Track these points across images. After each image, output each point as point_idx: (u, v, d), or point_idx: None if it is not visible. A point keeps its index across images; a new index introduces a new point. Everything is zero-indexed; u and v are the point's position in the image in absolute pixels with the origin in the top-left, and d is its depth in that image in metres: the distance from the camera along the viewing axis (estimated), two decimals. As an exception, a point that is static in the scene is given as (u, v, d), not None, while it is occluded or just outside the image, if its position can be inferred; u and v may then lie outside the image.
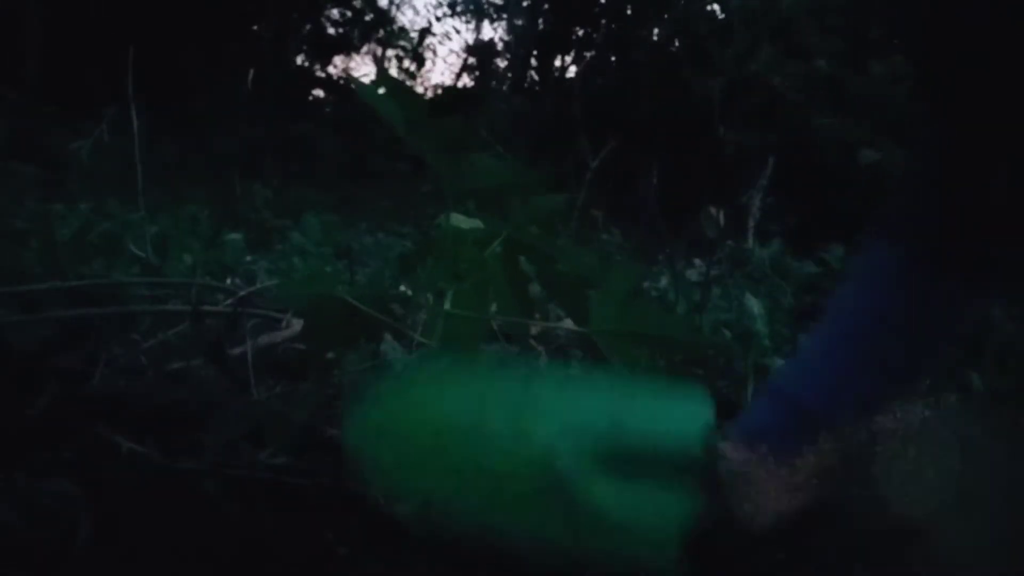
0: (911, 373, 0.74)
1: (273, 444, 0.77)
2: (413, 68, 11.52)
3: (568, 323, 0.64)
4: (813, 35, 5.87)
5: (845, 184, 5.14)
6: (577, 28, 9.53)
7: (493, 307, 0.61)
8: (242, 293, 1.25)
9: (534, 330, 1.44)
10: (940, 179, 0.71)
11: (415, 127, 0.54)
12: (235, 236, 2.43)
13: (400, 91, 0.55)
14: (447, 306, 0.56)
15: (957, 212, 0.69)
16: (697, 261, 2.98)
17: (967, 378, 1.29)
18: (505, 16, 10.86)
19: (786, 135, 5.56)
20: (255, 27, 9.47)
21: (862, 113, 5.40)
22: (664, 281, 2.33)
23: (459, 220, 0.60)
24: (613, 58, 8.96)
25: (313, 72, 10.93)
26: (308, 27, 10.79)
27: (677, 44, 7.86)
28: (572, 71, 9.66)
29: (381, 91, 0.56)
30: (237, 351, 1.02)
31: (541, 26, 9.75)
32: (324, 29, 11.04)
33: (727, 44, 6.25)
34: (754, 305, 1.40)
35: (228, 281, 1.77)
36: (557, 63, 9.89)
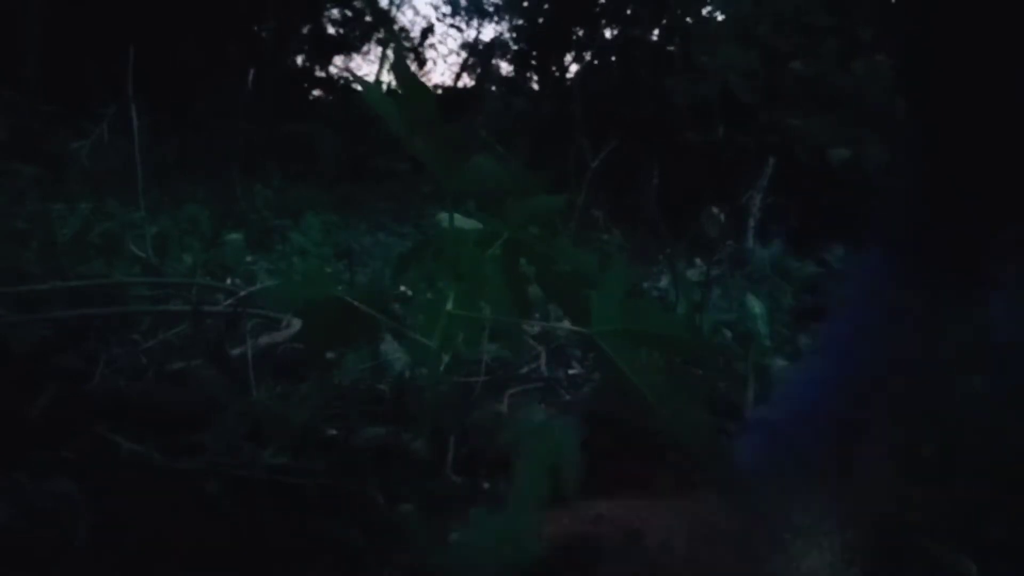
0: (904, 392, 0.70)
1: (273, 444, 0.77)
2: (414, 68, 11.51)
3: (567, 323, 0.64)
4: (779, 36, 5.85)
5: (821, 184, 5.13)
6: (577, 28, 9.53)
7: (488, 309, 0.61)
8: (242, 293, 1.25)
9: (534, 330, 1.44)
10: (924, 183, 0.69)
11: (416, 130, 0.54)
12: (235, 236, 2.43)
13: (412, 84, 0.54)
14: (449, 306, 0.56)
15: (944, 216, 0.68)
16: (698, 261, 2.99)
17: (968, 379, 1.29)
18: (505, 16, 10.86)
19: (765, 137, 5.54)
20: (255, 27, 9.46)
21: (841, 112, 5.39)
22: (664, 281, 2.33)
23: (459, 220, 0.59)
24: (613, 58, 8.96)
25: (313, 72, 10.93)
26: (308, 27, 10.78)
27: (676, 44, 7.86)
28: (572, 71, 9.67)
29: (384, 90, 0.56)
30: (237, 351, 1.02)
31: (541, 26, 9.75)
32: (324, 29, 11.04)
33: (700, 45, 6.25)
34: (755, 305, 1.39)
35: (228, 281, 1.77)
36: (557, 63, 9.89)
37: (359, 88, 0.56)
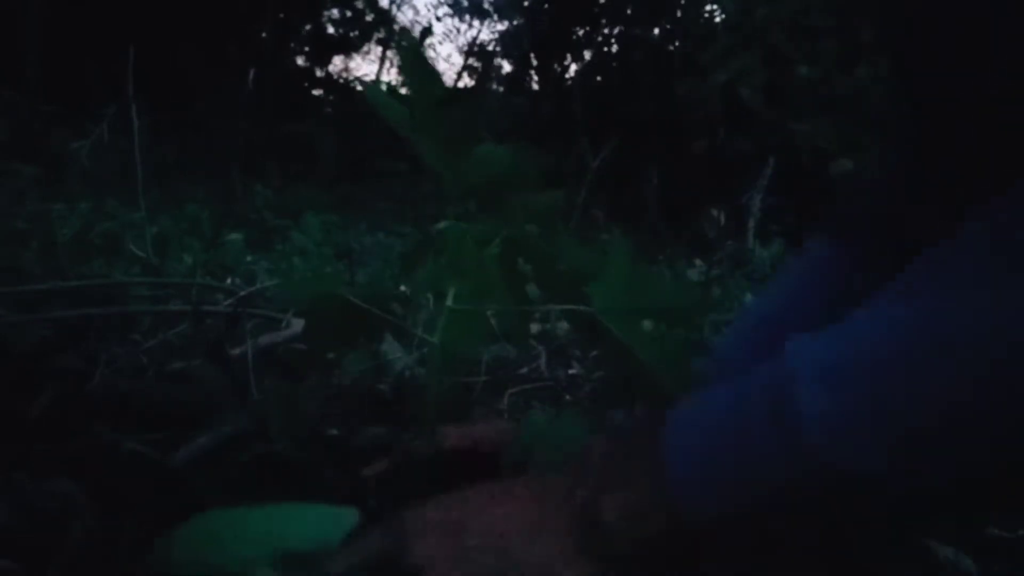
0: None
1: (273, 443, 0.77)
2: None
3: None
4: (788, 42, 5.83)
5: (824, 190, 5.13)
6: (577, 28, 9.53)
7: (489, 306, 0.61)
8: (242, 293, 1.25)
9: (534, 329, 1.44)
10: (901, 176, 0.70)
11: (421, 122, 0.54)
12: (235, 236, 2.43)
13: (421, 66, 0.54)
14: (449, 303, 0.56)
15: (904, 210, 0.68)
16: (697, 261, 2.99)
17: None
18: (506, 16, 10.86)
19: (767, 140, 5.54)
20: (255, 27, 9.46)
21: (845, 117, 5.39)
22: (664, 281, 2.32)
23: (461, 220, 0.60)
24: (614, 58, 8.96)
25: (313, 72, 10.93)
26: (308, 27, 10.79)
27: (676, 45, 7.86)
28: (572, 71, 9.67)
29: (386, 88, 0.56)
30: (237, 351, 1.02)
31: (541, 26, 9.74)
32: (324, 29, 11.05)
33: (707, 49, 6.23)
34: (754, 305, 1.39)
35: (228, 281, 1.77)
36: (557, 63, 9.89)
37: (360, 88, 0.56)
